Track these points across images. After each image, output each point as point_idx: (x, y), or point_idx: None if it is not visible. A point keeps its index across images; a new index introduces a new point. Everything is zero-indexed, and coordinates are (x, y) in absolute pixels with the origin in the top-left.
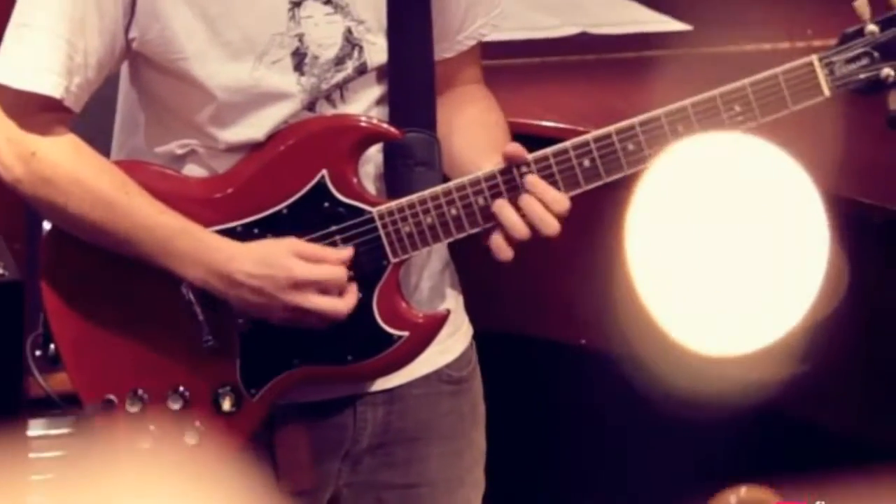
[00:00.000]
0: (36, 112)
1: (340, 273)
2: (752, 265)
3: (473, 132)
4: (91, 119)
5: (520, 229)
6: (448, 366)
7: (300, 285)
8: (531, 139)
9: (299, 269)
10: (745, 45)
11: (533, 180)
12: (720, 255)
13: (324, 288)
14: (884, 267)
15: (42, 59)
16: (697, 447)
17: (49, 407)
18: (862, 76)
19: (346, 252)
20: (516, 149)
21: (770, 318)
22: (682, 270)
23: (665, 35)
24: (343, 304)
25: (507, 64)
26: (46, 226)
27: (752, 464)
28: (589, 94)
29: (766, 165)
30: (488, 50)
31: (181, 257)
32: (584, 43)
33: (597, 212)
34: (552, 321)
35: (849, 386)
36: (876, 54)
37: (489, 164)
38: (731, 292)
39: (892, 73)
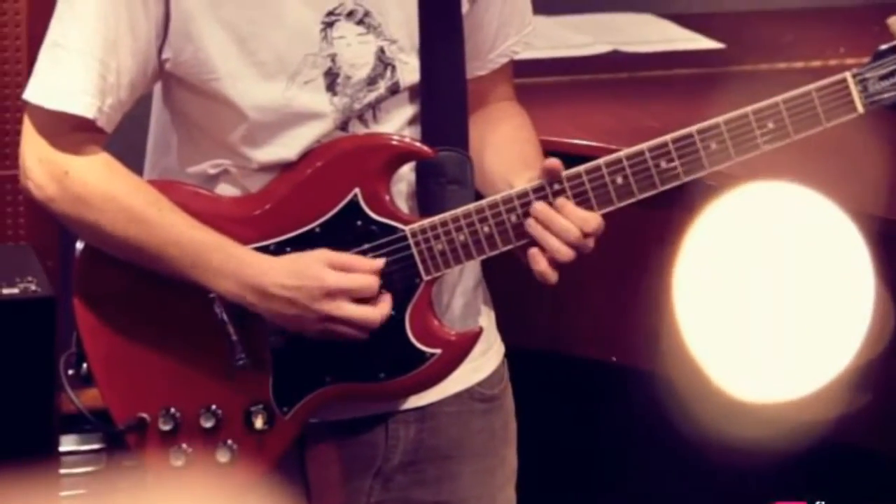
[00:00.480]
0: (69, 132)
1: (372, 281)
2: (798, 312)
3: (506, 149)
4: (120, 136)
5: (559, 249)
6: (480, 384)
7: (332, 294)
8: (562, 157)
9: (331, 278)
10: (778, 64)
11: (560, 202)
12: (766, 303)
13: (356, 296)
14: None
15: (75, 79)
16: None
17: (81, 423)
18: None
19: (378, 262)
20: (554, 163)
21: (815, 365)
22: (728, 317)
23: (697, 53)
24: (376, 312)
25: (539, 82)
26: (79, 244)
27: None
28: (620, 112)
29: (810, 213)
30: (519, 68)
31: (214, 271)
32: (615, 61)
33: (628, 228)
34: (583, 338)
35: None
36: None
37: (522, 181)
38: (776, 339)
39: None
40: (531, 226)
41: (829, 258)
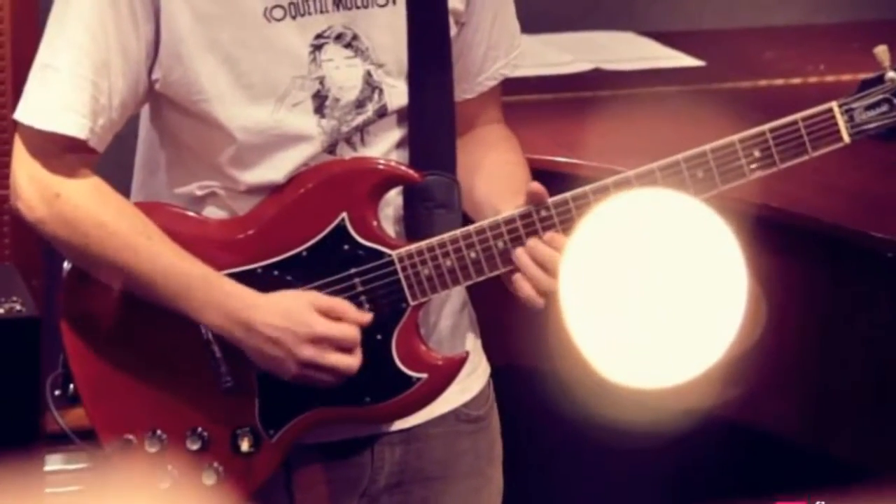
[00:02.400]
0: (60, 153)
1: (356, 333)
2: (675, 305)
3: (495, 174)
4: (107, 154)
5: (543, 281)
6: (466, 405)
7: (318, 341)
8: (544, 174)
9: (320, 326)
10: (759, 81)
11: (550, 236)
12: (646, 297)
13: (340, 346)
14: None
15: (67, 100)
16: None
17: (66, 442)
18: (881, 123)
19: (367, 316)
20: (538, 188)
21: (694, 353)
22: (609, 309)
23: (678, 71)
24: (355, 361)
25: (521, 100)
26: (67, 265)
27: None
28: (602, 130)
29: (685, 214)
30: (501, 86)
31: (200, 303)
32: (597, 79)
33: None
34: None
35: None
36: (895, 101)
37: (510, 206)
38: (655, 332)
39: None
40: (518, 256)
41: (706, 258)
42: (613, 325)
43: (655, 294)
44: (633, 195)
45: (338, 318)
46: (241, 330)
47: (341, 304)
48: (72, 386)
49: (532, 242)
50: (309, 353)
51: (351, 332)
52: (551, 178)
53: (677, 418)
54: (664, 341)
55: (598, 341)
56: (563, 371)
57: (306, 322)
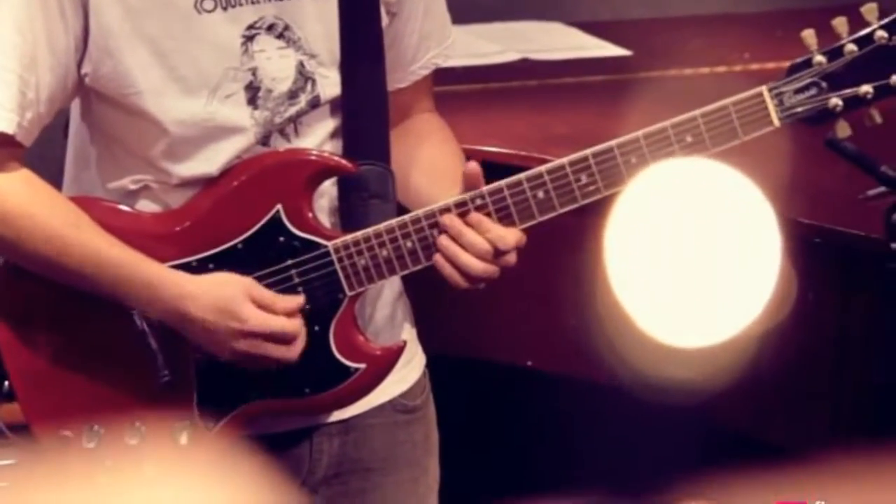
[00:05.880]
0: None
1: (293, 325)
2: (712, 271)
3: (432, 164)
4: (37, 148)
5: (468, 263)
6: (402, 395)
7: (251, 335)
8: None
9: (253, 320)
10: (685, 70)
11: (476, 218)
12: (685, 261)
13: (276, 339)
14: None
15: None
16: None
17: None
18: (810, 106)
19: (299, 299)
20: (474, 168)
21: (726, 317)
22: (651, 272)
23: (605, 60)
24: (293, 351)
25: (450, 90)
26: None
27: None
28: (531, 119)
29: (725, 184)
30: (433, 76)
31: (134, 291)
32: (525, 69)
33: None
34: (499, 344)
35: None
36: (824, 84)
37: (447, 195)
38: (693, 294)
39: (839, 102)
40: (441, 241)
41: (741, 224)
42: (656, 287)
43: (696, 259)
44: (676, 163)
45: (273, 311)
46: (176, 318)
47: (275, 296)
48: (6, 382)
49: (448, 220)
50: (243, 346)
51: (285, 324)
52: (482, 167)
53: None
54: (703, 303)
55: (642, 303)
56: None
57: (240, 316)
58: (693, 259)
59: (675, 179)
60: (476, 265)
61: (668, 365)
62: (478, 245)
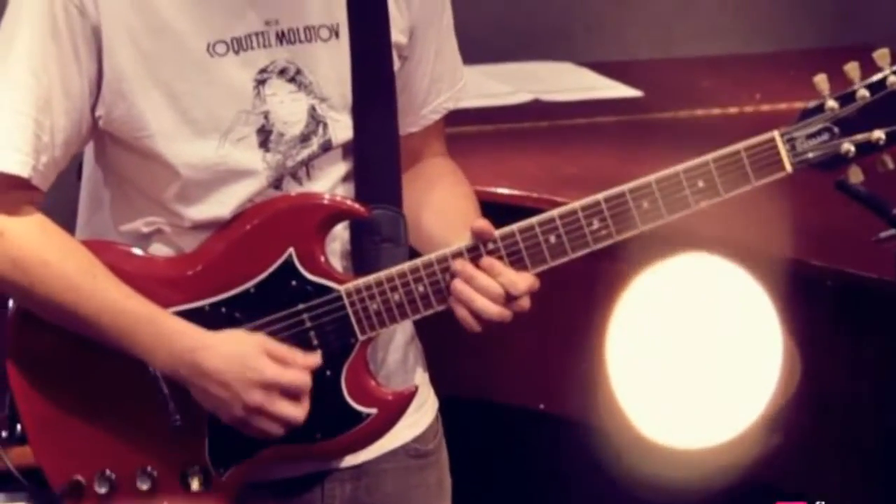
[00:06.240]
0: (3, 191)
1: (306, 379)
2: (716, 367)
3: (444, 207)
4: (51, 191)
5: (483, 307)
6: (415, 440)
7: (267, 386)
8: (486, 206)
9: (270, 371)
10: (696, 111)
11: (488, 262)
12: (688, 360)
13: (288, 393)
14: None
15: (9, 138)
16: None
17: (10, 482)
18: (823, 152)
19: (315, 358)
20: (484, 225)
21: (732, 413)
22: (654, 372)
23: (616, 101)
24: (300, 412)
25: (461, 131)
26: (12, 304)
27: None
28: (542, 160)
29: (726, 282)
30: (445, 119)
31: (147, 343)
32: (536, 110)
33: (553, 278)
34: (511, 387)
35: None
36: (836, 129)
37: (459, 238)
38: (697, 392)
39: (852, 148)
40: (455, 285)
41: (743, 320)
42: (656, 385)
43: (695, 356)
44: (673, 261)
45: (288, 364)
46: (189, 371)
47: (291, 351)
48: (19, 426)
49: (460, 266)
50: (258, 398)
51: (300, 378)
52: (493, 209)
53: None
54: (705, 401)
55: (642, 402)
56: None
57: (256, 367)
58: (694, 360)
59: (674, 278)
60: (490, 309)
61: (672, 467)
62: (491, 289)
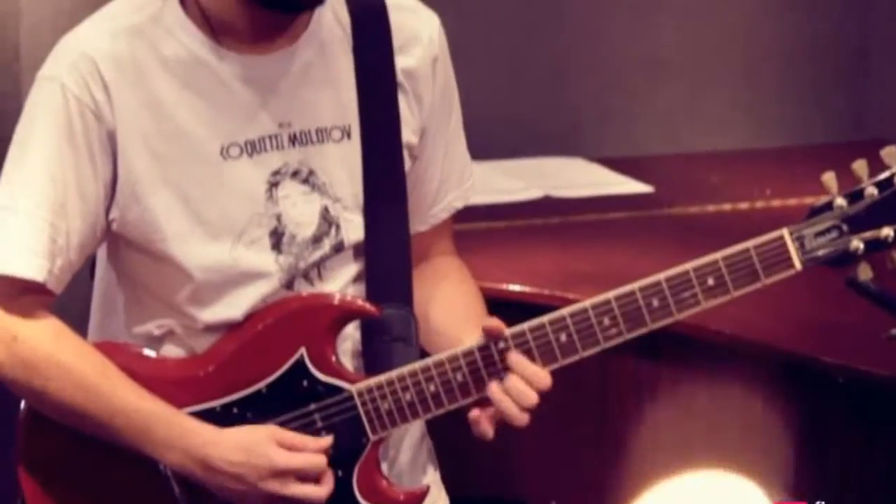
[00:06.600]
0: (18, 295)
1: (320, 461)
2: None
3: (449, 305)
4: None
5: (508, 406)
6: None
7: (281, 474)
8: (497, 303)
9: (281, 459)
10: (706, 206)
11: (515, 358)
12: None
13: (303, 476)
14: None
15: (25, 242)
16: None
17: None
18: (832, 249)
19: (326, 440)
20: (496, 324)
21: None
22: None
23: (627, 197)
24: (322, 491)
25: (472, 228)
26: (23, 407)
27: None
28: (554, 257)
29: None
30: (453, 217)
31: (161, 443)
32: (547, 206)
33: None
34: (522, 483)
35: None
36: (845, 227)
37: (466, 336)
38: None
39: (860, 245)
40: (495, 392)
41: None
42: None
43: None
44: (682, 480)
45: (299, 450)
46: (201, 468)
47: (301, 437)
48: None
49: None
50: (273, 486)
51: (314, 461)
52: (504, 306)
53: None
54: None
55: None
56: None
57: (266, 455)
58: None
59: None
60: (519, 417)
61: None
62: (526, 395)
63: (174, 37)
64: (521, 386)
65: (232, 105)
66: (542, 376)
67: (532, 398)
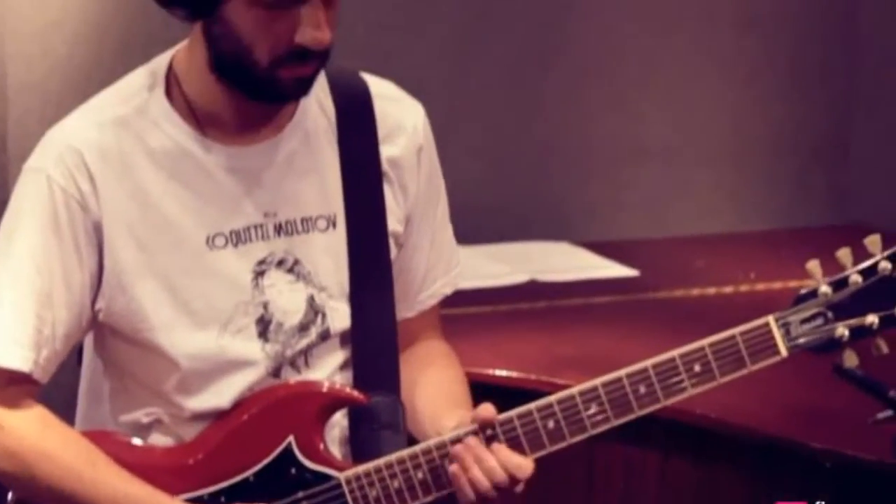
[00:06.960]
0: (4, 385)
1: None
2: None
3: (435, 390)
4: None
5: (486, 490)
6: None
7: None
8: (484, 388)
9: None
10: (691, 290)
11: (497, 448)
12: None
13: None
14: None
15: (10, 333)
16: None
17: None
18: (817, 336)
19: None
20: (488, 415)
21: None
22: None
23: (612, 281)
24: None
25: (458, 313)
26: (10, 496)
27: None
28: (540, 342)
29: None
30: (440, 303)
31: None
32: (533, 290)
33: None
34: None
35: None
36: (829, 314)
37: (451, 421)
38: None
39: (846, 332)
40: (459, 465)
41: None
42: None
43: None
44: None
45: None
46: None
47: None
48: None
49: (473, 443)
50: None
51: None
52: (491, 391)
53: None
54: None
55: None
56: None
57: None
58: None
59: None
60: (490, 493)
61: None
62: (493, 470)
63: (160, 128)
64: (492, 462)
65: (217, 195)
66: (523, 465)
67: (499, 475)
